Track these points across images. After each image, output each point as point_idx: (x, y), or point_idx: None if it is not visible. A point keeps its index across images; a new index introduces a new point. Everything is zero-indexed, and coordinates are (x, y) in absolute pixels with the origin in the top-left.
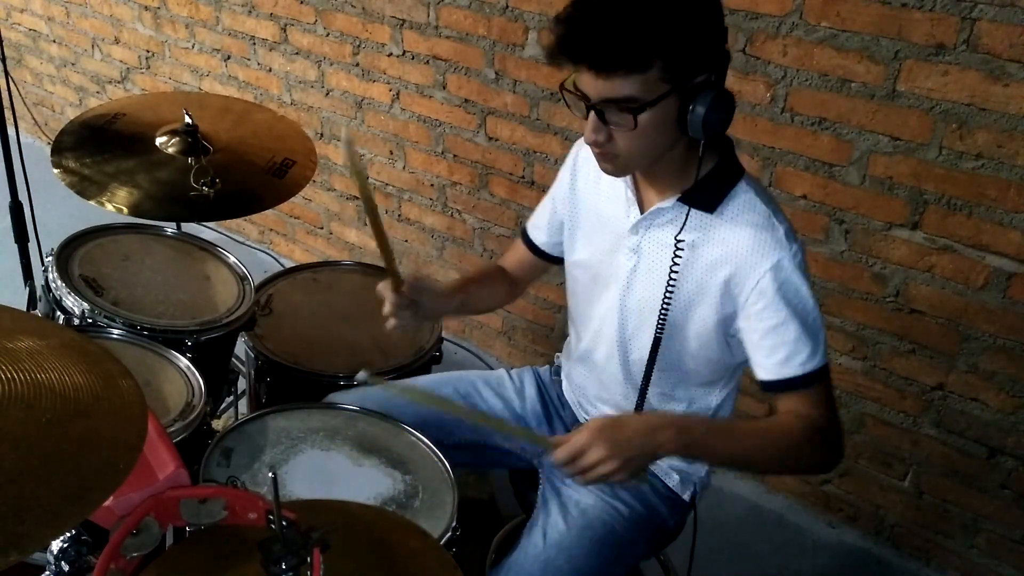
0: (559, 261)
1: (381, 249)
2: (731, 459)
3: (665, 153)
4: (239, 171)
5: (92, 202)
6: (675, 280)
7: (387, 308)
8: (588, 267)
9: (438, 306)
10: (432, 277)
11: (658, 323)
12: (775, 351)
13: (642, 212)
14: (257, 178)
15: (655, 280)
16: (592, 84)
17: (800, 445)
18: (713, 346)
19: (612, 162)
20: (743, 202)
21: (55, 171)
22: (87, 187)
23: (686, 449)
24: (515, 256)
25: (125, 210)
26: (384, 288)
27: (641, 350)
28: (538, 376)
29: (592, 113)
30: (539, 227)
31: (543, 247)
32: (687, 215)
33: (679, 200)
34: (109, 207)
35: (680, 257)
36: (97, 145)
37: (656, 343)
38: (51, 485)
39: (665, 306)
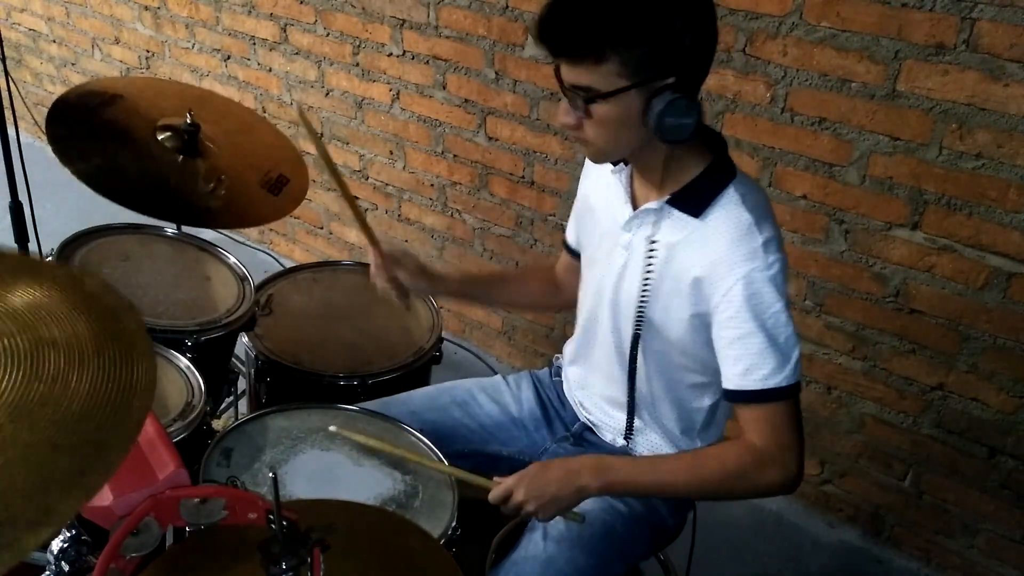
0: None
1: (353, 211)
2: (661, 491)
3: (643, 149)
4: (238, 179)
5: (68, 169)
6: (649, 281)
7: (372, 269)
8: (592, 263)
9: (427, 287)
10: (424, 263)
11: (635, 321)
12: (737, 361)
13: (634, 209)
14: (254, 190)
15: (638, 278)
16: (563, 69)
17: (739, 473)
18: (696, 346)
19: (585, 148)
20: (727, 207)
21: (44, 138)
22: (72, 156)
23: (609, 487)
24: (561, 263)
25: (97, 187)
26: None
27: (629, 346)
28: (536, 379)
29: (564, 97)
30: (571, 230)
31: (574, 247)
32: (657, 219)
33: (667, 202)
34: (81, 178)
35: (653, 259)
36: (89, 119)
37: (635, 340)
38: (66, 447)
39: (641, 305)
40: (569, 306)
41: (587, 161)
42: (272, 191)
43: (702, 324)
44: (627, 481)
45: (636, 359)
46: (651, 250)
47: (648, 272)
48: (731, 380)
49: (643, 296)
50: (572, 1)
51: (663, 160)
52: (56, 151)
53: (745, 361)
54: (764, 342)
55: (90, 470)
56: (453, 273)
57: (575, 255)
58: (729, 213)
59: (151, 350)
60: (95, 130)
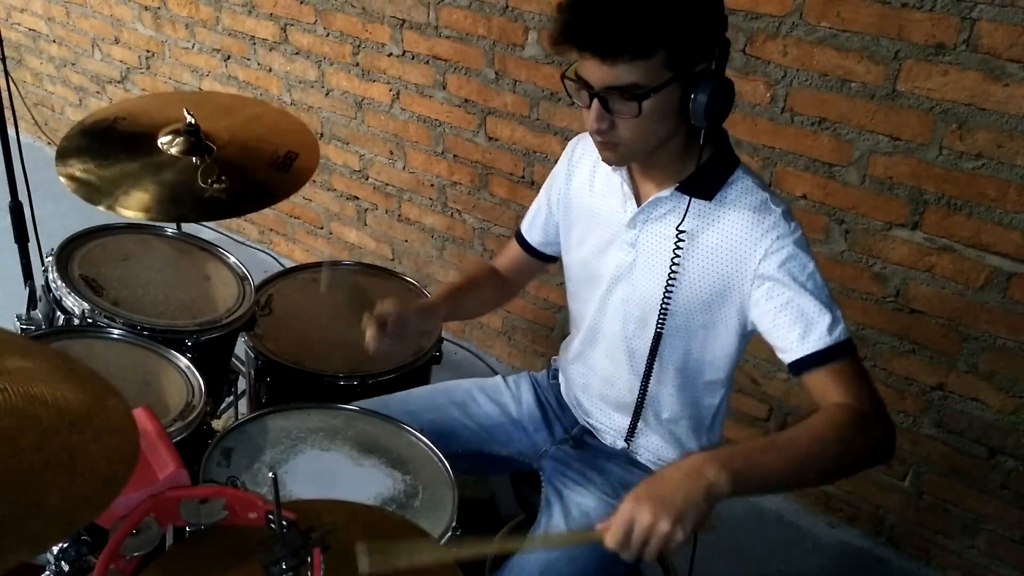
0: (553, 260)
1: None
2: (786, 475)
3: (665, 142)
4: (245, 167)
5: (101, 208)
6: (676, 272)
7: (368, 340)
8: (585, 265)
9: (423, 327)
10: (410, 308)
11: (659, 317)
12: (792, 327)
13: (639, 205)
14: (263, 173)
15: (655, 273)
16: (596, 71)
17: (848, 434)
18: (716, 336)
19: (614, 151)
20: (741, 188)
21: (62, 180)
22: (94, 194)
23: (737, 479)
24: (509, 257)
25: (141, 215)
26: (367, 321)
27: (642, 346)
28: (535, 381)
29: (595, 101)
30: (534, 227)
31: (537, 247)
32: (688, 204)
33: (677, 189)
34: (124, 212)
35: (681, 248)
36: (100, 150)
37: (657, 337)
38: (50, 493)
39: (667, 298)
40: (512, 298)
41: (564, 166)
42: (282, 169)
43: (731, 306)
44: (753, 467)
45: (655, 360)
46: (679, 241)
47: (675, 264)
48: (792, 350)
49: (668, 291)
50: (609, 0)
51: (672, 153)
52: (80, 194)
53: (800, 325)
54: (811, 301)
55: (64, 518)
56: (434, 303)
57: (535, 254)
58: (744, 192)
59: (135, 433)
60: (107, 159)
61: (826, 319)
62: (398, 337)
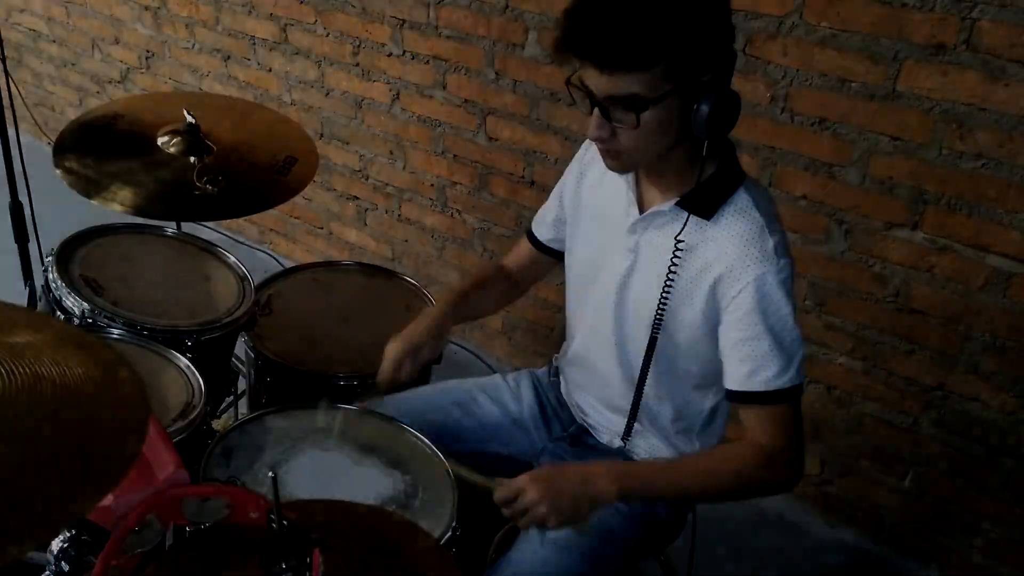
0: (562, 257)
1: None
2: (679, 496)
3: (669, 151)
4: (243, 169)
5: (95, 201)
6: (672, 280)
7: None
8: (585, 265)
9: (436, 348)
10: (421, 336)
11: (654, 322)
12: (743, 363)
13: (641, 212)
14: (261, 176)
15: (652, 280)
16: (597, 81)
17: (750, 474)
18: (702, 346)
19: (616, 159)
20: (739, 210)
21: (56, 171)
22: (89, 187)
23: (627, 495)
24: (519, 254)
25: (130, 209)
26: (382, 375)
27: (637, 350)
28: (535, 379)
29: (596, 110)
30: (544, 223)
31: (548, 243)
32: (687, 219)
33: (677, 204)
34: (116, 207)
35: (679, 257)
36: (98, 146)
37: (652, 342)
38: (58, 475)
39: (662, 306)
40: (521, 296)
41: (577, 165)
42: (281, 173)
43: (711, 325)
44: (644, 488)
45: (650, 364)
46: (677, 251)
47: (672, 273)
48: (736, 381)
49: (664, 299)
50: (611, 10)
51: (677, 163)
52: (79, 191)
53: (751, 363)
54: (771, 344)
55: (75, 499)
56: (445, 317)
57: (544, 250)
58: (741, 216)
59: (146, 403)
60: (104, 154)
61: (776, 366)
62: (415, 373)
